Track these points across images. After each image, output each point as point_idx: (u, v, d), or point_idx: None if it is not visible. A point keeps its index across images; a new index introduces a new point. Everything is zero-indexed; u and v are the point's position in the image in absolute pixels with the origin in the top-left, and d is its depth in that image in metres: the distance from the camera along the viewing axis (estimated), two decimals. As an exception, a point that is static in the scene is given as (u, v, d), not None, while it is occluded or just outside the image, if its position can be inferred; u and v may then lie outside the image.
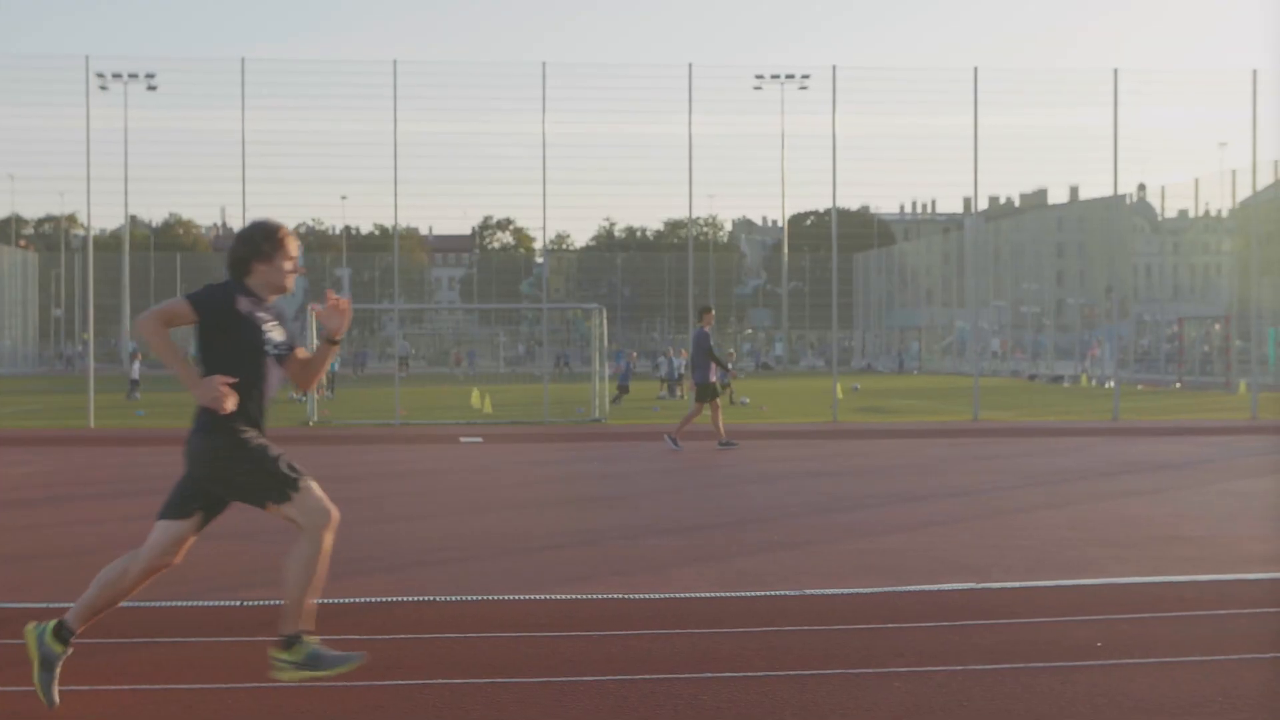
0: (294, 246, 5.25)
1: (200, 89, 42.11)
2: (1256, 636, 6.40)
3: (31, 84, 34.47)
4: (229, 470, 5.16)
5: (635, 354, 49.22)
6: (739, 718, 5.03)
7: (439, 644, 6.23)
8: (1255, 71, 25.41)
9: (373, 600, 7.34)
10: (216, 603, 7.29)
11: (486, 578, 8.09)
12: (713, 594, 7.53)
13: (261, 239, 5.20)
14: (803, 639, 6.41)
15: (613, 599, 7.35)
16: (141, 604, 7.22)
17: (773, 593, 7.54)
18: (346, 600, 7.32)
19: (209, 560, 8.86)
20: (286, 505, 5.09)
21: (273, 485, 5.11)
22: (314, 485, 5.15)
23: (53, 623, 5.21)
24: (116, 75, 41.49)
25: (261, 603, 7.25)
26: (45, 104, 32.62)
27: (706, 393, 18.07)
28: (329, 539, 5.12)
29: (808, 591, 7.57)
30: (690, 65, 24.61)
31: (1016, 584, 7.81)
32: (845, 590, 7.59)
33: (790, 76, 49.96)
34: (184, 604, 7.24)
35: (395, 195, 24.33)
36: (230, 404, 5.01)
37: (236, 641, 6.35)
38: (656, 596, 7.40)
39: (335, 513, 5.16)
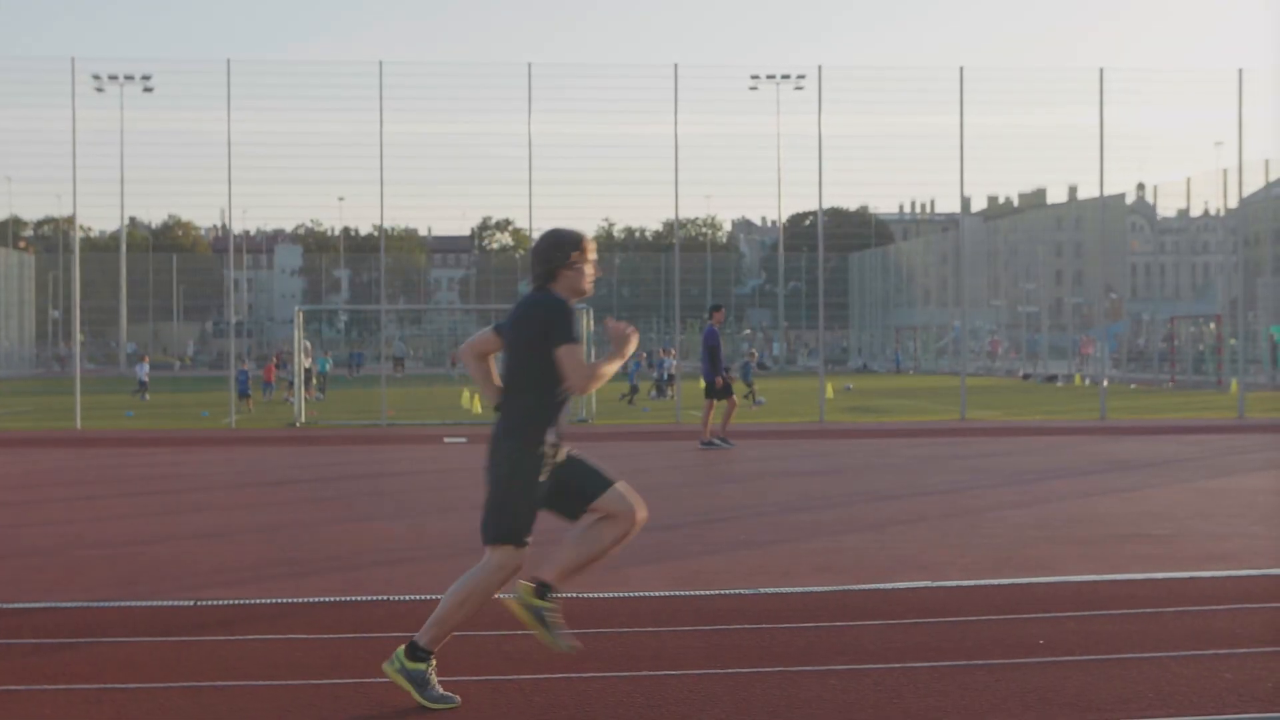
0: (594, 250, 5.39)
1: (198, 90, 41.94)
2: (1199, 634, 6.41)
3: (29, 86, 34.52)
4: (494, 480, 5.25)
5: (645, 354, 49.01)
6: (670, 716, 5.05)
7: (384, 643, 6.23)
8: (1241, 71, 25.39)
9: (327, 600, 7.36)
10: (169, 602, 7.31)
11: (443, 577, 8.07)
12: (666, 593, 7.56)
13: (571, 246, 5.32)
14: (748, 637, 6.44)
15: (563, 598, 7.35)
16: (92, 604, 7.27)
17: (725, 591, 7.56)
18: (300, 600, 7.34)
19: (173, 560, 8.90)
20: (491, 547, 5.24)
21: (494, 527, 5.23)
22: (526, 550, 5.26)
23: (535, 584, 5.36)
24: (113, 77, 41.51)
25: (218, 602, 7.28)
26: (45, 105, 32.68)
27: (720, 389, 18.09)
28: (492, 591, 5.27)
29: (761, 590, 7.59)
30: (676, 66, 24.63)
31: (970, 582, 7.83)
32: (797, 589, 7.61)
33: (786, 77, 50.04)
34: (136, 604, 7.26)
35: (381, 196, 24.35)
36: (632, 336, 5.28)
37: (183, 641, 6.37)
38: (609, 596, 7.43)
39: (521, 567, 5.28)
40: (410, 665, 5.18)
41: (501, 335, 5.43)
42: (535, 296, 5.32)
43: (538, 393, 5.23)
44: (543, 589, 5.35)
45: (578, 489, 5.33)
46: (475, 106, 36.88)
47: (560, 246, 5.33)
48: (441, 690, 5.19)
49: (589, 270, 5.38)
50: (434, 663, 5.22)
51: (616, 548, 5.42)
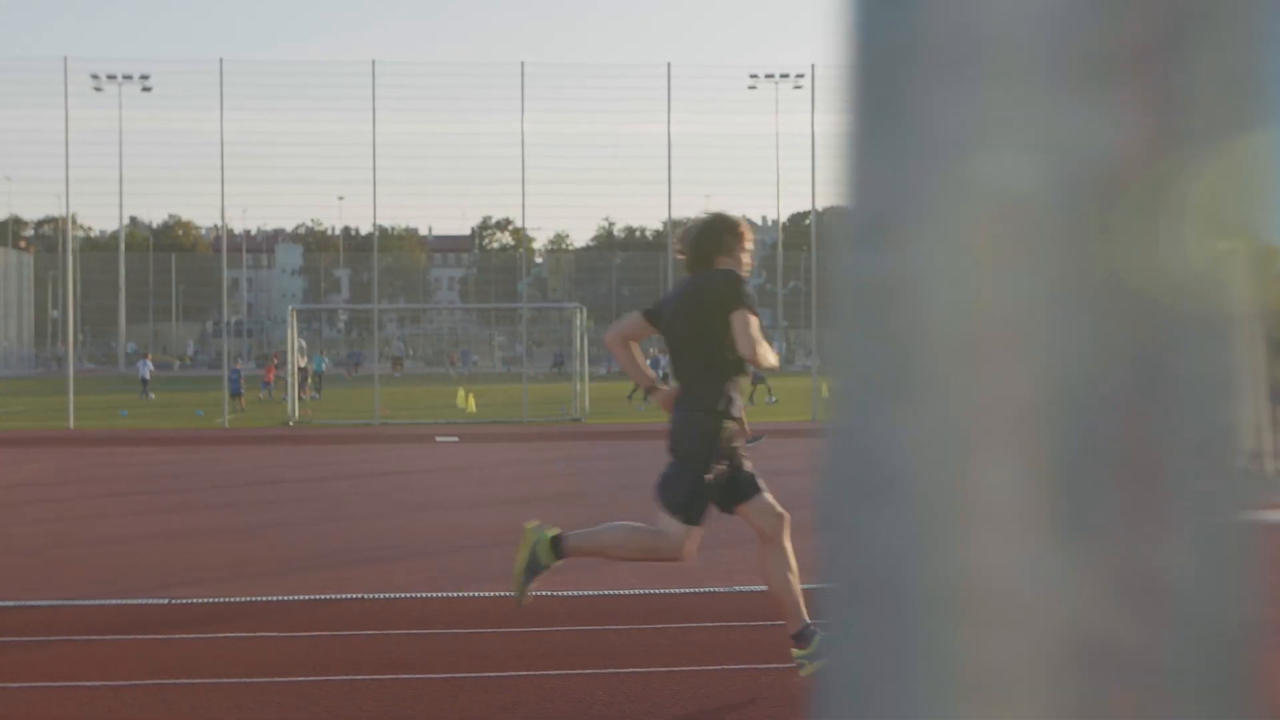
0: (751, 240, 5.38)
1: (196, 90, 42.15)
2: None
3: (28, 85, 34.60)
4: (679, 454, 5.32)
5: (655, 350, 48.95)
6: (630, 714, 5.07)
7: (357, 640, 6.27)
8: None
9: (304, 598, 7.37)
10: (144, 600, 7.33)
11: (419, 575, 8.13)
12: (642, 590, 7.56)
13: (725, 232, 5.32)
14: (717, 635, 6.46)
15: (535, 596, 7.37)
16: (67, 603, 7.30)
17: (699, 590, 7.57)
18: (277, 599, 7.35)
19: (153, 559, 8.93)
20: (664, 516, 5.24)
21: (674, 495, 5.26)
22: (696, 535, 5.28)
23: (803, 636, 5.34)
24: (110, 76, 41.50)
25: (193, 600, 7.30)
26: (44, 105, 32.73)
27: None
28: (647, 555, 5.34)
29: (736, 589, 7.60)
30: (669, 65, 24.67)
31: (944, 581, 7.83)
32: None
33: (785, 76, 49.98)
34: (110, 602, 7.28)
35: (375, 195, 24.40)
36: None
37: (154, 639, 6.38)
38: (581, 594, 7.43)
39: (687, 554, 5.31)
40: (545, 555, 5.21)
41: (658, 321, 5.40)
42: (708, 274, 5.26)
43: (726, 369, 5.23)
44: (805, 634, 5.36)
45: (738, 486, 5.37)
46: (473, 106, 37.02)
47: (717, 233, 5.32)
48: (530, 591, 5.28)
49: (746, 259, 5.34)
50: (557, 565, 5.26)
51: (793, 556, 5.48)
